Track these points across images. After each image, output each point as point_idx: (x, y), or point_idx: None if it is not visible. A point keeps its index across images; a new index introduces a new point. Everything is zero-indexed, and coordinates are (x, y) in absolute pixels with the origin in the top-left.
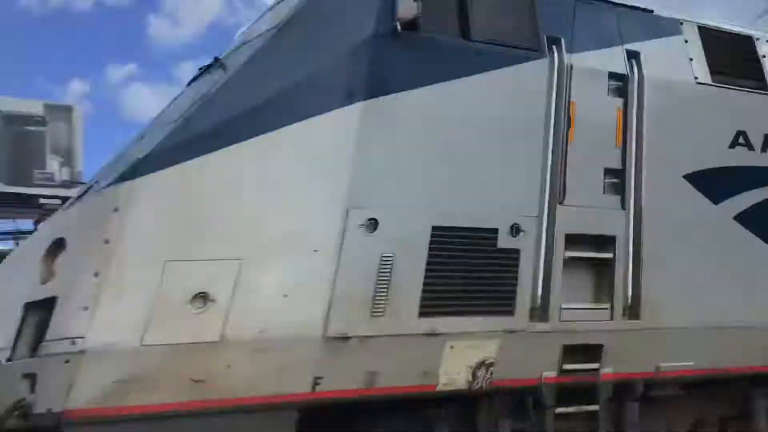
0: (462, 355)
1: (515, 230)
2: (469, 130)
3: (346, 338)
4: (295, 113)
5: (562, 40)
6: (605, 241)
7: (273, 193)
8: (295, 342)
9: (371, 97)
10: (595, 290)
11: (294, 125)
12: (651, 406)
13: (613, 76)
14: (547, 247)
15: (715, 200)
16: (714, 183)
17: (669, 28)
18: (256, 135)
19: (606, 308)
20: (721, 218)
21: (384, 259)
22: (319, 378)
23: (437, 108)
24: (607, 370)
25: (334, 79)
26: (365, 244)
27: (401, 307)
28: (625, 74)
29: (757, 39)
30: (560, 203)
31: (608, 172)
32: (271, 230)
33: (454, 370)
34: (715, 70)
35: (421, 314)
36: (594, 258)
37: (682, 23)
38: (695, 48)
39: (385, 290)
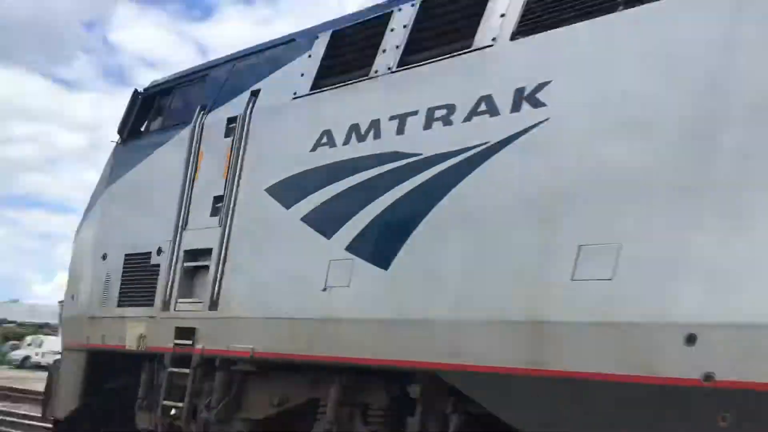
0: (133, 330)
1: (159, 251)
2: (143, 192)
3: (92, 317)
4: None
5: (207, 105)
6: (207, 253)
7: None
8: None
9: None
10: (199, 290)
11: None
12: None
13: (230, 120)
14: (174, 261)
15: (288, 206)
16: (288, 190)
17: (300, 48)
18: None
19: (201, 302)
20: (291, 221)
21: (106, 276)
22: (88, 336)
23: (130, 181)
24: (198, 346)
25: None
26: (101, 268)
27: (112, 301)
28: (236, 116)
29: (398, 10)
30: (184, 229)
31: (216, 199)
32: None
33: (130, 339)
34: (321, 76)
35: (119, 305)
36: (202, 266)
37: (318, 37)
38: (315, 60)
39: (105, 293)
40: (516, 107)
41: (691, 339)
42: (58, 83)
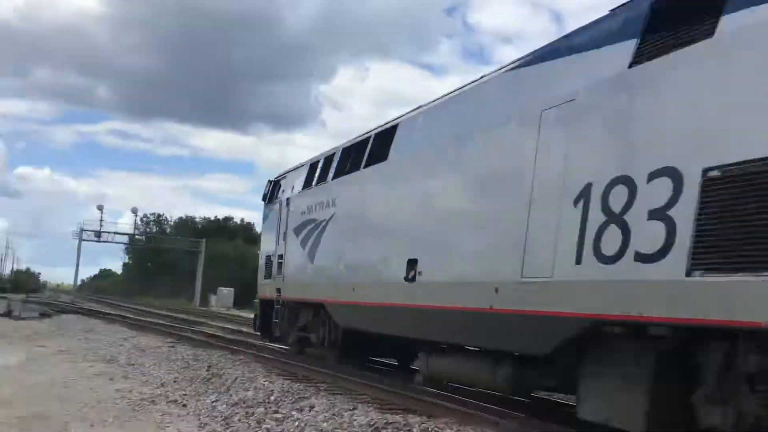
0: (270, 288)
1: (272, 255)
2: (272, 228)
3: (261, 284)
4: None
5: (284, 192)
6: (282, 256)
7: None
8: None
9: (263, 222)
10: (281, 271)
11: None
12: (294, 309)
13: (286, 200)
14: (276, 259)
15: (297, 236)
16: (296, 230)
17: (306, 169)
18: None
19: (281, 276)
20: (297, 243)
21: (261, 265)
22: (260, 293)
23: (268, 223)
24: (282, 295)
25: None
26: (262, 263)
27: (264, 276)
28: (288, 198)
29: (318, 161)
30: (278, 245)
31: (284, 233)
32: None
33: (268, 294)
34: (305, 183)
35: (264, 279)
36: (281, 261)
37: (306, 165)
38: (304, 176)
39: (262, 272)
40: (332, 206)
41: (353, 289)
42: (426, 69)
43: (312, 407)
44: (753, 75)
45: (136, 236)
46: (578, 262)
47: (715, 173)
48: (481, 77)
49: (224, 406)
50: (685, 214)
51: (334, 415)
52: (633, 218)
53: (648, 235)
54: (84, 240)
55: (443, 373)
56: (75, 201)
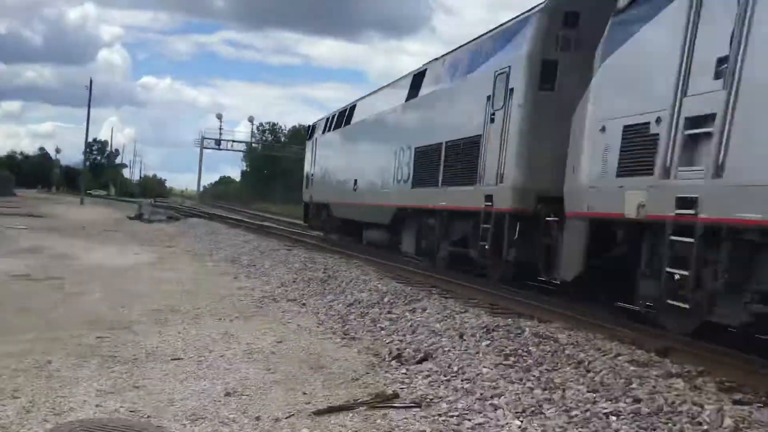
0: (307, 195)
1: (309, 174)
2: (307, 161)
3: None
4: None
5: (314, 132)
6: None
7: None
8: None
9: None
10: None
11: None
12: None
13: (315, 140)
14: (311, 176)
15: (319, 162)
16: (319, 159)
17: (325, 120)
18: None
19: (312, 188)
20: (319, 168)
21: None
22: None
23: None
24: (313, 200)
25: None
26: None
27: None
28: (315, 138)
29: (332, 116)
30: (310, 167)
31: (312, 160)
32: None
33: (306, 199)
34: (325, 128)
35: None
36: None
37: (328, 118)
38: (325, 124)
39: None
40: (331, 147)
41: (339, 194)
42: None
43: (424, 309)
44: (431, 117)
45: (253, 144)
46: (395, 183)
47: (419, 150)
48: (388, 84)
49: (341, 305)
50: (411, 164)
51: (446, 317)
52: (403, 165)
53: (405, 171)
54: (204, 148)
55: (370, 239)
56: (195, 110)
